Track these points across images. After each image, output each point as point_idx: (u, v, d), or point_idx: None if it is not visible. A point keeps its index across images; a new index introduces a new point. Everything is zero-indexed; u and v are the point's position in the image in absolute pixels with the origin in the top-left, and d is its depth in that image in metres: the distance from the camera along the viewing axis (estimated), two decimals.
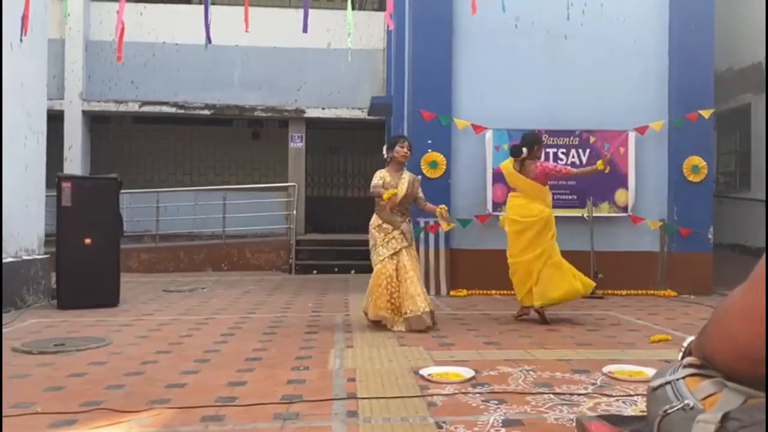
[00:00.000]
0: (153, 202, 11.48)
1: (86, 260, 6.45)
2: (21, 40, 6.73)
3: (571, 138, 7.65)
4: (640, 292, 7.68)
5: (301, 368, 3.83)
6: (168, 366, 3.89)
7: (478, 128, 7.64)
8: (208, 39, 5.53)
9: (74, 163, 12.16)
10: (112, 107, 12.45)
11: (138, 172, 13.78)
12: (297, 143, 12.76)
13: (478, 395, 3.20)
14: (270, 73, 12.65)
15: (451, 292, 7.52)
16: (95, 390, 3.33)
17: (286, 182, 12.40)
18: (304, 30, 5.72)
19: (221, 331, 5.11)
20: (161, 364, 3.94)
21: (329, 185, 14.59)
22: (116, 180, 6.70)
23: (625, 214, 7.69)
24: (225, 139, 14.15)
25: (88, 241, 6.47)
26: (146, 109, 12.48)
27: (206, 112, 12.54)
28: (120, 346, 4.53)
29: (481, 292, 7.55)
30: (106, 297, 6.55)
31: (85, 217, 6.46)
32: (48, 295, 6.99)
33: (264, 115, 12.74)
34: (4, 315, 6.01)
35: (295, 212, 11.28)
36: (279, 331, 5.12)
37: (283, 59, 12.60)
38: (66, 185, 6.45)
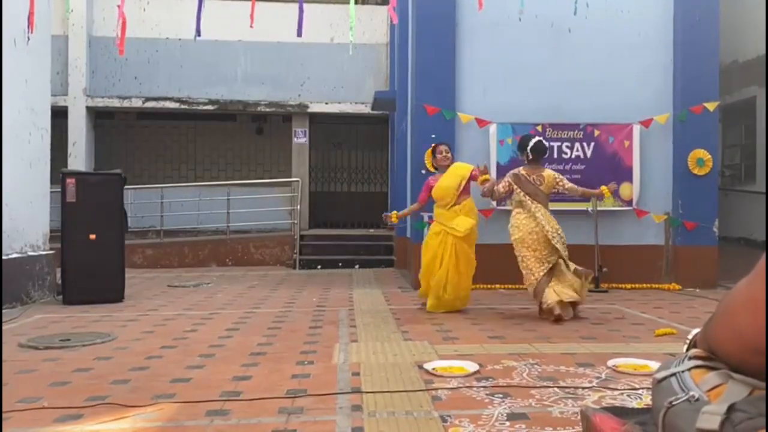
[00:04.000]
0: (157, 198, 11.49)
1: (91, 256, 6.47)
2: (28, 38, 6.75)
3: (576, 132, 7.62)
4: (644, 285, 7.66)
5: (306, 363, 3.83)
6: (173, 361, 3.90)
7: (482, 122, 7.62)
8: (198, 32, 5.57)
9: (78, 158, 12.19)
10: (115, 103, 12.45)
11: (142, 168, 13.80)
12: (300, 138, 12.75)
13: (482, 389, 3.20)
14: (273, 68, 12.64)
15: None
16: (100, 385, 3.34)
17: (290, 177, 12.40)
18: (299, 34, 5.74)
19: (226, 326, 5.11)
20: (166, 359, 3.95)
21: (333, 180, 14.58)
22: (120, 176, 6.71)
23: (629, 208, 7.67)
24: (229, 134, 14.16)
25: (92, 236, 6.48)
26: (150, 104, 12.49)
27: (210, 107, 12.54)
28: (125, 341, 4.54)
29: (484, 286, 7.53)
30: (111, 292, 6.57)
31: (89, 212, 6.48)
32: (53, 291, 7.01)
33: (267, 110, 12.73)
34: (10, 311, 6.04)
35: (299, 207, 11.28)
36: (283, 326, 5.13)
37: (287, 54, 12.58)
38: (70, 181, 6.46)
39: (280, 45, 12.51)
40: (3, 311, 5.72)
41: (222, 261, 10.78)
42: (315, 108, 12.60)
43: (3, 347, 4.18)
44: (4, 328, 4.96)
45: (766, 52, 9.44)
